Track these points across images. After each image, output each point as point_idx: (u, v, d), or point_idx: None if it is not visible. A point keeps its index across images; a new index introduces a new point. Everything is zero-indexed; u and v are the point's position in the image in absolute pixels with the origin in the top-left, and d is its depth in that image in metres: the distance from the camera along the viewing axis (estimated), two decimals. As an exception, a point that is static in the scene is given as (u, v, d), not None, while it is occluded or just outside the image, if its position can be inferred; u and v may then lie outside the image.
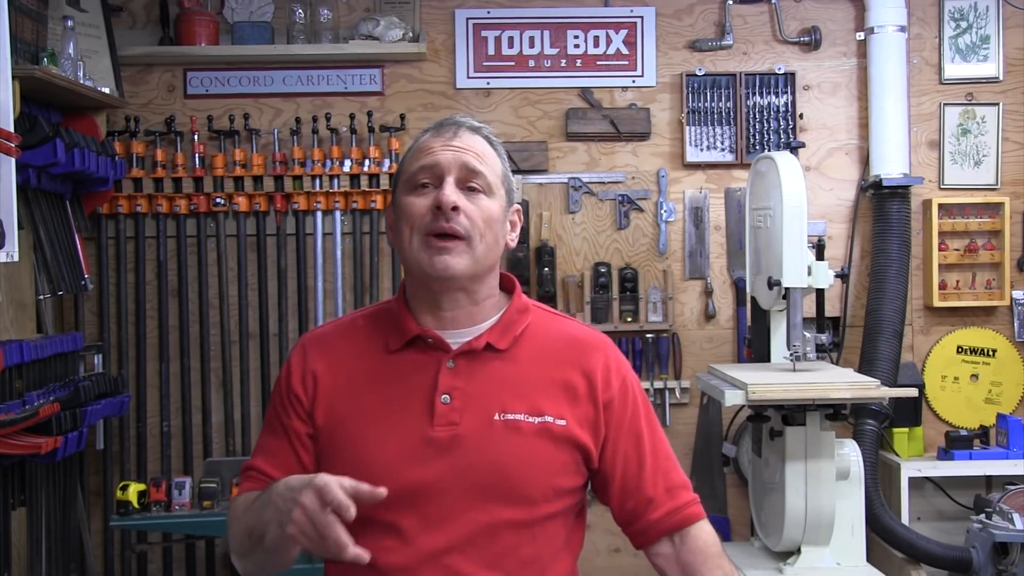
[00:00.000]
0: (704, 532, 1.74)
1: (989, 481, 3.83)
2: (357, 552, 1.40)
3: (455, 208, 1.62)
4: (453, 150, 1.66)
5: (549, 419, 1.65)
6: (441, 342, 1.68)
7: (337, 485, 1.41)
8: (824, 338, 3.27)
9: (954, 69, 3.99)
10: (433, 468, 1.61)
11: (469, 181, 1.65)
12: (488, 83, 3.95)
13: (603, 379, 1.70)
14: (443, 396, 1.64)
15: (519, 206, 1.78)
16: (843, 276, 3.55)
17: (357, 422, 1.65)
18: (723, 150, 3.96)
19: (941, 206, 3.92)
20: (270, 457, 1.71)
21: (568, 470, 1.67)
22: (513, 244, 1.74)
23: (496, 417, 1.63)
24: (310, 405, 1.69)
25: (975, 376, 3.99)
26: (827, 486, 3.10)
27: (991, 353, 3.98)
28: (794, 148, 3.81)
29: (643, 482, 1.72)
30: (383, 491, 1.45)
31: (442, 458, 1.61)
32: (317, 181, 3.82)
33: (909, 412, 3.75)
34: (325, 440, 1.68)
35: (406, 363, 1.68)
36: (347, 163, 3.82)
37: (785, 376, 3.14)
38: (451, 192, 1.62)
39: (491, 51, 3.94)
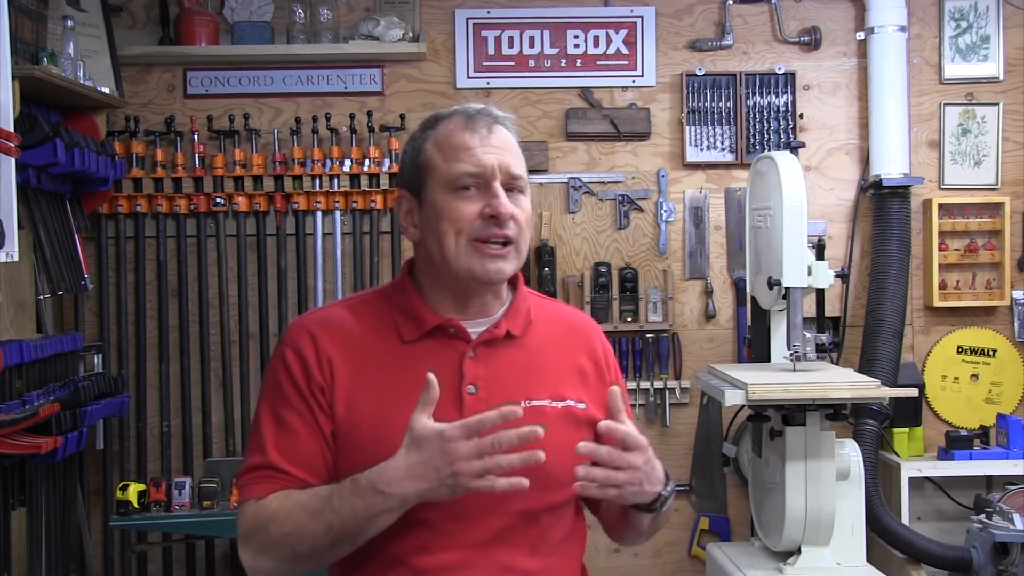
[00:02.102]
0: None
1: (989, 481, 3.83)
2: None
3: (511, 216, 1.62)
4: (495, 152, 1.63)
5: (571, 403, 1.67)
6: (463, 332, 1.66)
7: (463, 427, 1.45)
8: (824, 338, 3.27)
9: (954, 69, 3.99)
10: None
11: (511, 184, 1.65)
12: (488, 83, 3.94)
13: (605, 360, 1.77)
14: (469, 386, 1.63)
15: None
16: (843, 276, 3.55)
17: (380, 416, 1.59)
18: (723, 150, 3.96)
19: (941, 206, 3.92)
20: (293, 455, 1.59)
21: None
22: None
23: (523, 404, 1.61)
24: (331, 396, 1.61)
25: (975, 376, 3.98)
26: (827, 486, 3.10)
27: (991, 353, 3.98)
28: (794, 148, 3.82)
29: None
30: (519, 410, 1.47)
31: None
32: (317, 181, 3.82)
33: (909, 412, 3.75)
34: (346, 435, 1.60)
35: (425, 353, 1.64)
36: (347, 163, 3.81)
37: (785, 376, 3.14)
38: (507, 202, 1.62)
39: (491, 51, 3.94)
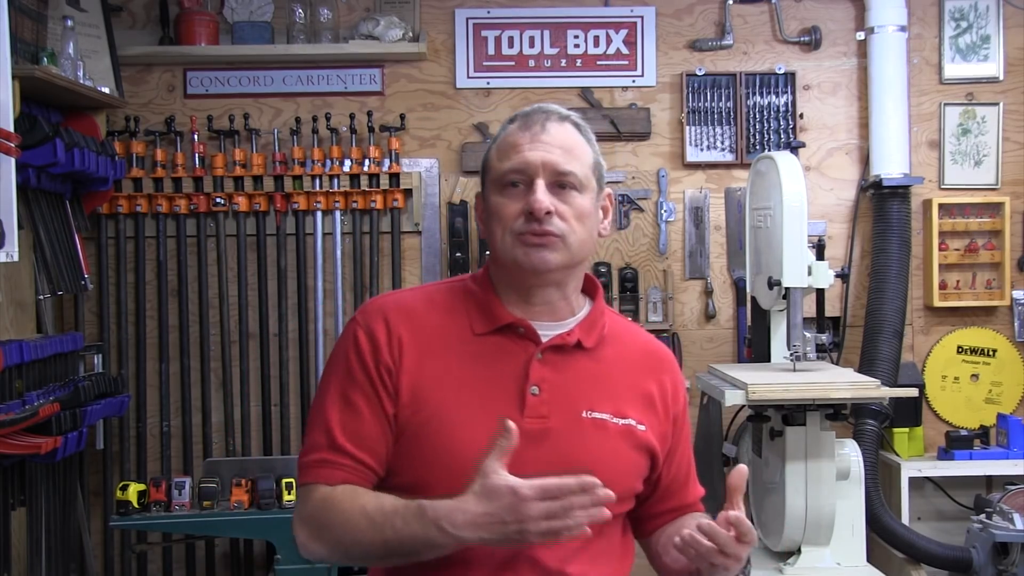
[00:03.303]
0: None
1: (989, 481, 3.83)
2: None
3: (548, 212, 1.61)
4: (542, 148, 1.63)
5: (632, 423, 1.68)
6: (532, 333, 1.66)
7: (540, 489, 1.42)
8: (824, 338, 3.27)
9: (954, 69, 3.99)
10: (521, 460, 1.54)
11: (559, 180, 1.63)
12: (488, 83, 3.94)
13: (672, 394, 1.78)
14: (532, 388, 1.63)
15: (610, 191, 1.76)
16: (843, 276, 3.55)
17: (445, 403, 1.60)
18: (723, 150, 3.96)
19: (941, 206, 3.92)
20: (357, 437, 1.60)
21: (641, 474, 1.73)
22: (607, 232, 1.75)
23: (584, 414, 1.64)
24: (396, 378, 1.61)
25: (975, 376, 3.98)
26: (827, 486, 3.10)
27: (991, 353, 3.98)
28: (794, 148, 3.82)
29: (687, 491, 1.86)
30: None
31: (530, 450, 1.56)
32: (317, 181, 3.82)
33: (909, 412, 3.75)
34: (407, 417, 1.61)
35: (495, 349, 1.64)
36: (347, 163, 3.82)
37: (785, 376, 3.14)
38: (543, 197, 1.60)
39: (491, 51, 3.94)
